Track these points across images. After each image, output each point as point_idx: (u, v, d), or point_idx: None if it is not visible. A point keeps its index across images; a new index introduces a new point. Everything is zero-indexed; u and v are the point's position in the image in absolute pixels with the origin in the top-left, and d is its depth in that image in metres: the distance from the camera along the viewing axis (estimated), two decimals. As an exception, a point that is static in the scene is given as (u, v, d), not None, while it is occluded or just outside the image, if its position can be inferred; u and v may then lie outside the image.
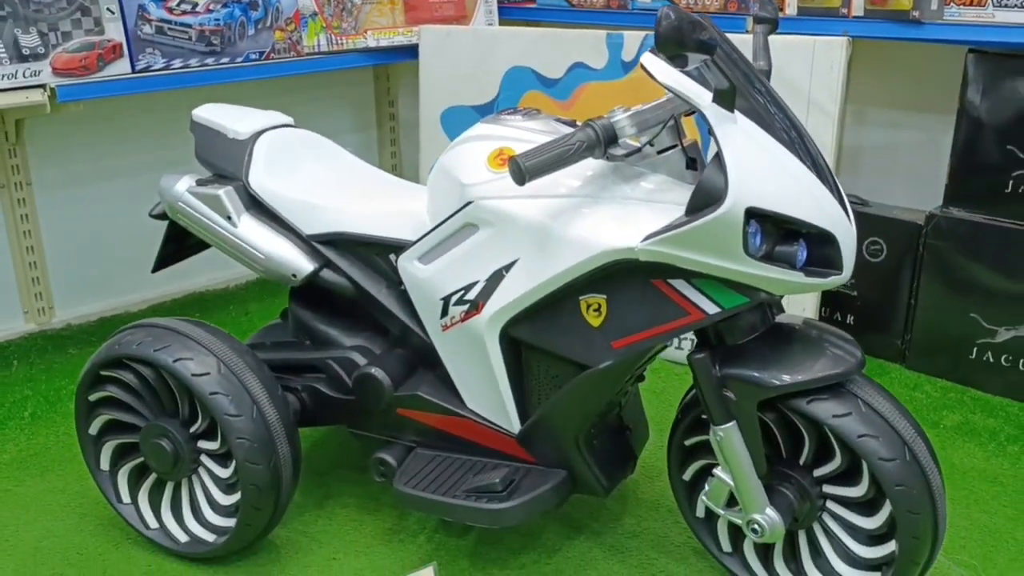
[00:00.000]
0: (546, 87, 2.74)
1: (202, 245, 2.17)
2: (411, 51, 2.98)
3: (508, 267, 1.60)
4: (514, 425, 1.73)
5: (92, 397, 1.88)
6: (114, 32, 2.46)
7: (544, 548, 1.92)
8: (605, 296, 1.55)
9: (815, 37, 2.33)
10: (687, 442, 1.75)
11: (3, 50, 2.30)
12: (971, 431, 2.31)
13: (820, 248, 1.46)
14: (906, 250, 2.57)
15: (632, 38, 2.58)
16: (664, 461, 1.96)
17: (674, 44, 1.31)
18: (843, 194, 1.49)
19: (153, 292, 3.14)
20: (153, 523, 1.92)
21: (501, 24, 3.11)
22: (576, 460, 1.71)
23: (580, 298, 1.57)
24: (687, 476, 1.79)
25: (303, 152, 1.95)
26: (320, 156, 1.97)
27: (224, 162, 1.90)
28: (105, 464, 1.93)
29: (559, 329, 1.60)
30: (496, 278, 1.61)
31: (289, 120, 2.01)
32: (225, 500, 1.82)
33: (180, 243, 2.12)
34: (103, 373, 1.84)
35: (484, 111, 2.85)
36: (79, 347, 2.90)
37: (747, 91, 1.43)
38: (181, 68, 2.58)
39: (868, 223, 2.62)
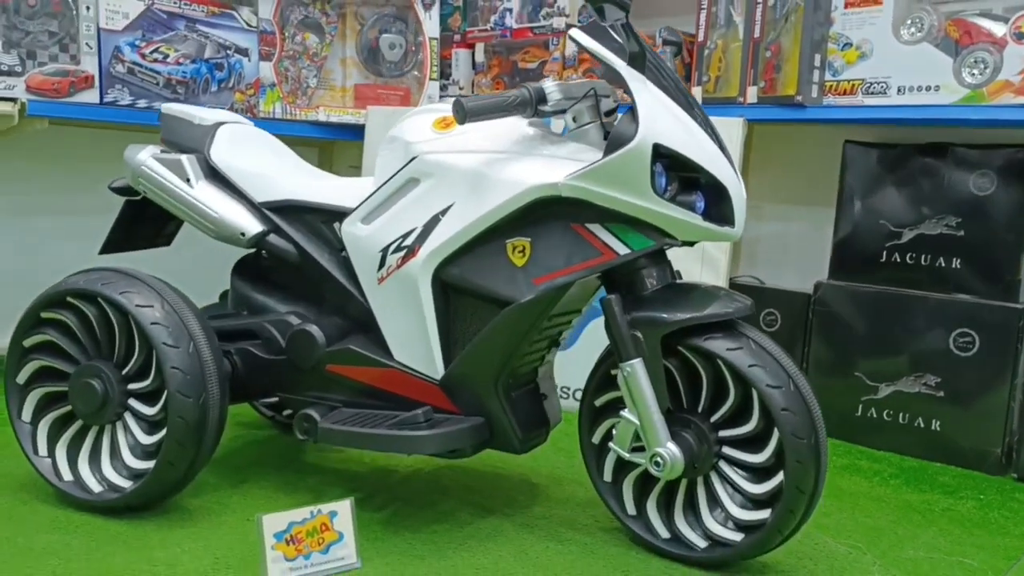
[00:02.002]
0: (479, 161, 3.03)
1: (149, 241, 2.31)
2: (357, 131, 3.26)
3: (444, 211, 1.79)
4: (439, 371, 1.84)
5: (27, 342, 1.93)
6: (89, 65, 2.68)
7: (456, 522, 1.97)
8: (529, 239, 1.74)
9: (716, 119, 2.69)
10: (597, 401, 1.89)
11: (-17, 63, 2.50)
12: (857, 469, 2.48)
13: (715, 204, 1.70)
14: (797, 318, 2.83)
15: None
16: (573, 472, 2.09)
17: (597, -6, 1.60)
18: (735, 165, 1.75)
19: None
20: (67, 475, 1.92)
21: (441, 120, 3.43)
22: (495, 407, 1.82)
23: (507, 241, 1.75)
24: (596, 439, 1.91)
25: (259, 141, 2.15)
26: (273, 148, 2.17)
27: (188, 141, 2.08)
28: (27, 415, 1.95)
29: (487, 269, 1.77)
30: (432, 223, 1.80)
31: (246, 120, 2.22)
32: (147, 440, 1.86)
33: (131, 230, 2.25)
34: (43, 315, 1.91)
35: (421, 182, 3.10)
36: (-4, 377, 2.89)
37: (655, 67, 1.72)
38: (145, 108, 2.79)
39: (764, 297, 2.90)
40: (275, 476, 2.18)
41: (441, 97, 3.42)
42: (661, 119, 1.63)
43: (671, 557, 1.81)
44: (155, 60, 2.80)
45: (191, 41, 2.88)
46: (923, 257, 2.64)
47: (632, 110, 1.65)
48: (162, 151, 2.08)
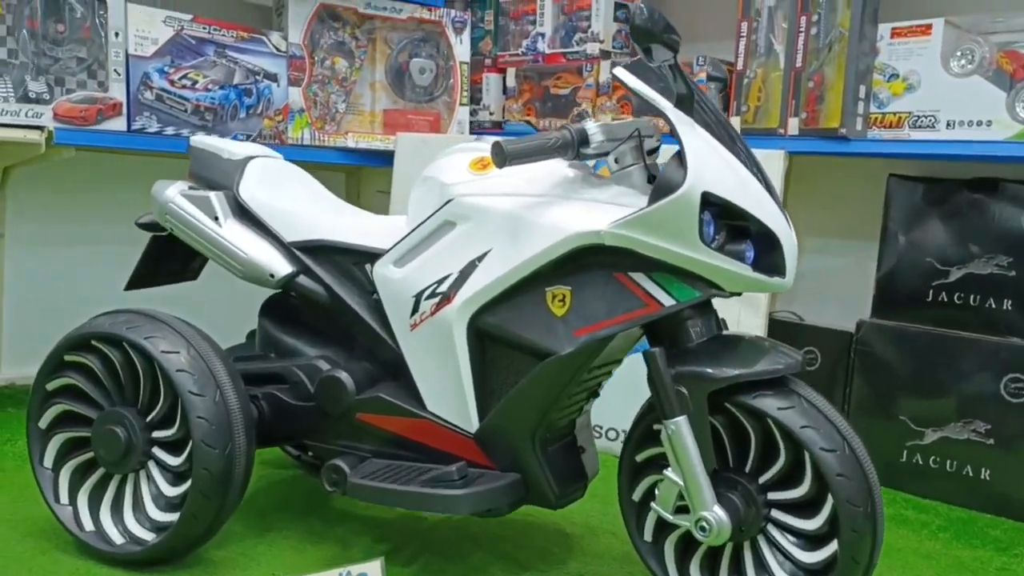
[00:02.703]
0: (511, 190, 2.96)
1: (175, 276, 2.26)
2: (386, 157, 3.20)
3: (481, 257, 1.71)
4: (473, 424, 1.77)
5: (50, 385, 1.88)
6: (117, 92, 2.64)
7: (488, 578, 1.90)
8: (570, 287, 1.66)
9: (757, 151, 2.60)
10: (638, 457, 1.81)
11: (10, 90, 2.45)
12: (903, 521, 2.38)
13: (765, 253, 1.61)
14: (839, 358, 2.74)
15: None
16: (606, 522, 2.01)
17: (646, 35, 1.52)
18: (784, 210, 1.66)
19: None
20: (89, 525, 1.86)
21: (471, 146, 3.37)
22: (531, 463, 1.75)
23: (546, 289, 1.68)
24: (636, 496, 1.82)
25: (289, 177, 2.09)
26: (304, 184, 2.11)
27: (217, 176, 2.03)
28: (49, 461, 1.90)
29: (525, 318, 1.69)
30: (469, 268, 1.72)
31: (278, 155, 2.17)
32: (171, 491, 1.79)
33: (157, 266, 2.19)
34: (67, 358, 1.86)
35: (451, 210, 3.04)
36: (19, 406, 2.85)
37: (702, 106, 1.64)
38: (173, 135, 2.75)
39: (804, 334, 2.80)
40: (301, 524, 2.11)
41: (472, 124, 3.36)
42: (710, 165, 1.56)
43: (715, 623, 1.73)
44: (183, 86, 2.76)
45: (220, 67, 2.84)
46: (972, 297, 2.54)
47: (679, 154, 1.58)
48: (190, 187, 2.02)
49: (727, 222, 1.60)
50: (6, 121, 2.44)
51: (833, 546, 1.60)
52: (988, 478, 2.46)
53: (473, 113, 3.39)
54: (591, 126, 1.64)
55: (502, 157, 1.55)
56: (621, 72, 1.63)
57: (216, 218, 1.95)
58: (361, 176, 3.68)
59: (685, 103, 1.59)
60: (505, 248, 1.69)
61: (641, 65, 1.63)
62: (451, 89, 3.32)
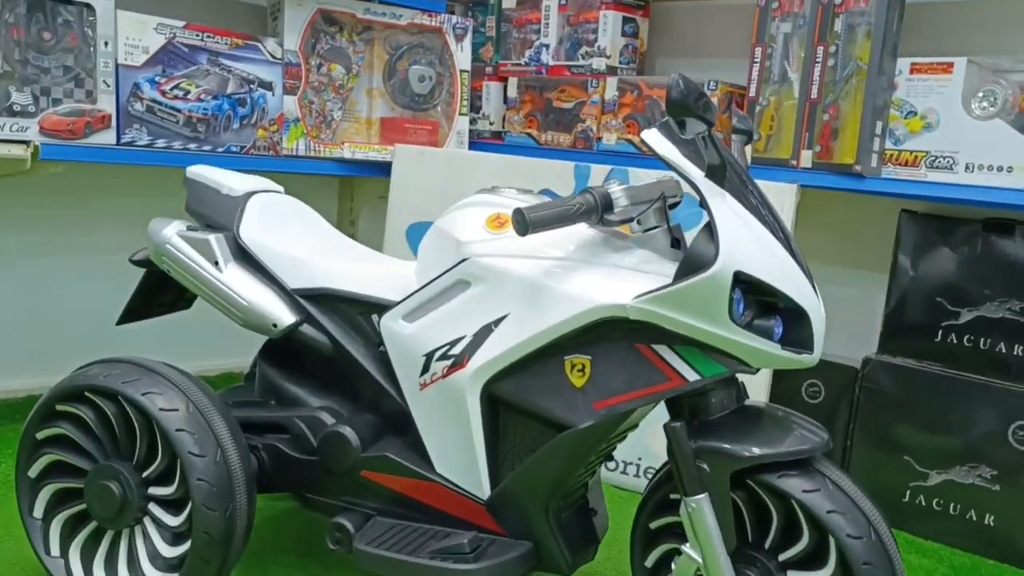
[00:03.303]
0: (513, 210, 2.88)
1: (168, 307, 2.17)
2: (382, 168, 3.11)
3: (497, 322, 1.64)
4: (484, 490, 1.71)
5: (41, 434, 1.80)
6: (105, 104, 2.52)
7: (493, 637, 1.85)
8: (590, 357, 1.60)
9: (768, 183, 2.54)
10: (652, 524, 1.76)
11: (-6, 103, 2.34)
12: (908, 567, 2.36)
13: (794, 328, 1.55)
14: (843, 393, 2.70)
15: (598, 170, 2.76)
16: (610, 567, 1.96)
17: (681, 108, 1.45)
18: (815, 284, 1.60)
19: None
20: (81, 580, 1.79)
21: (470, 156, 3.28)
22: (543, 531, 1.69)
23: (565, 358, 1.61)
24: (649, 563, 1.77)
25: (292, 215, 2.00)
26: (307, 221, 2.02)
27: (216, 214, 1.93)
28: (39, 511, 1.82)
29: (542, 388, 1.63)
30: (484, 333, 1.65)
31: (279, 188, 2.07)
32: (169, 552, 1.72)
33: (150, 298, 2.10)
34: (59, 408, 1.77)
35: (450, 228, 2.96)
36: (2, 421, 2.76)
37: (734, 175, 1.57)
38: (164, 148, 2.64)
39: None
40: (299, 567, 2.05)
41: (472, 134, 3.27)
42: (742, 242, 1.49)
43: None
44: (175, 97, 2.64)
45: (213, 76, 2.72)
46: (982, 340, 2.51)
47: (709, 228, 1.51)
48: (188, 227, 1.93)
49: (756, 298, 1.54)
50: (-10, 136, 2.33)
51: (857, 631, 1.56)
52: (992, 524, 2.44)
53: (472, 122, 3.30)
54: (615, 190, 1.56)
55: (524, 226, 1.47)
56: (649, 136, 1.55)
57: (216, 263, 1.86)
58: (355, 185, 3.58)
59: (717, 173, 1.51)
60: (523, 314, 1.62)
61: (669, 127, 1.56)
62: (451, 98, 3.22)
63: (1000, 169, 2.30)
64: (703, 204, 1.52)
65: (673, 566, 1.67)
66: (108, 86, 2.52)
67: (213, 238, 1.87)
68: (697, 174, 1.51)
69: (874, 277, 2.80)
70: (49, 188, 2.88)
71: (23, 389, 2.92)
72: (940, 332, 2.57)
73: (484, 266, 1.66)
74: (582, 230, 1.67)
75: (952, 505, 2.50)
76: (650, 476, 2.59)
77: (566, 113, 3.12)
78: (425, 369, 1.73)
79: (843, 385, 2.70)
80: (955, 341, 2.54)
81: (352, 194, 3.59)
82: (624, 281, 1.56)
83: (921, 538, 2.53)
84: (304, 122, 2.96)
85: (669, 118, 1.55)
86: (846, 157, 2.49)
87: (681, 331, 1.52)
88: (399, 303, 1.78)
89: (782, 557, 1.63)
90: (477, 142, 3.31)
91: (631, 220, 1.61)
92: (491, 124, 3.31)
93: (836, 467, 1.61)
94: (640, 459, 2.63)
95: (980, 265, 2.51)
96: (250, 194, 1.97)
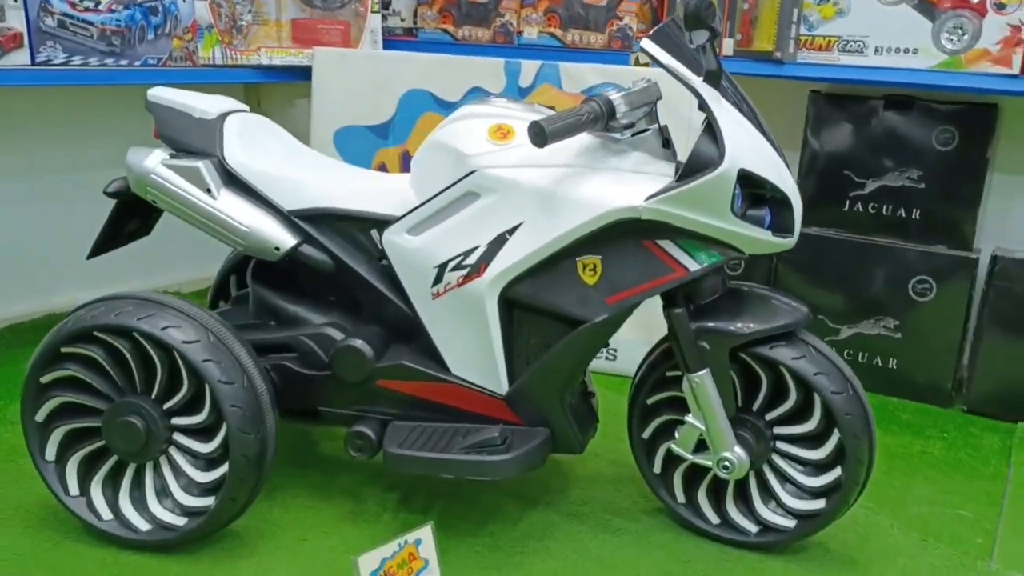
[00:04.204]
0: (444, 109, 2.91)
1: (134, 235, 2.12)
2: (299, 72, 3.04)
3: (512, 230, 1.73)
4: (503, 386, 1.83)
5: (45, 379, 1.77)
6: (15, 21, 2.34)
7: (508, 518, 2.01)
8: (600, 256, 1.72)
9: (693, 72, 2.68)
10: (649, 400, 1.94)
11: None
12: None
13: (778, 215, 1.73)
14: (761, 262, 2.96)
15: (529, 66, 2.81)
16: (595, 446, 2.15)
17: (695, 20, 1.55)
18: (791, 172, 1.77)
19: (15, 309, 2.91)
20: (107, 514, 1.81)
21: (383, 55, 3.25)
22: (559, 418, 1.84)
23: (576, 259, 1.73)
24: (647, 434, 1.97)
25: (265, 134, 1.98)
26: (281, 140, 2.01)
27: (194, 140, 1.89)
28: (52, 454, 1.81)
29: (557, 288, 1.75)
30: (499, 242, 1.74)
31: (244, 106, 2.04)
32: (204, 477, 1.77)
33: (118, 229, 2.05)
34: (64, 350, 1.75)
35: (380, 131, 2.96)
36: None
37: (726, 80, 1.69)
38: (81, 65, 2.49)
39: (726, 241, 2.99)
40: (303, 480, 2.13)
41: (384, 31, 3.22)
42: (741, 141, 1.63)
43: (723, 541, 1.93)
44: (87, 9, 2.48)
45: (123, -16, 2.56)
46: (885, 207, 2.79)
47: (710, 129, 1.64)
48: (171, 155, 1.88)
49: (749, 191, 1.70)
50: (-102, 64, 2.14)
51: (836, 472, 1.82)
52: (895, 367, 2.79)
53: (384, 19, 3.25)
54: (616, 97, 1.66)
55: (543, 138, 1.55)
56: (649, 45, 1.64)
57: (208, 190, 1.84)
58: (260, 91, 3.47)
59: (713, 78, 1.63)
60: (537, 222, 1.71)
61: (665, 35, 1.65)
62: (361, -5, 3.15)
63: (907, 51, 2.53)
64: (703, 107, 1.64)
65: (677, 434, 1.87)
66: (15, 2, 2.34)
67: (201, 165, 1.84)
68: (695, 79, 1.63)
69: (787, 155, 3.02)
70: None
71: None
72: (847, 202, 2.84)
73: (493, 177, 1.74)
74: (582, 136, 1.76)
75: (860, 354, 2.83)
76: (613, 357, 2.81)
77: (482, 7, 3.12)
78: (438, 280, 1.80)
79: (762, 257, 2.95)
80: (861, 209, 2.82)
81: (259, 100, 3.48)
82: (632, 184, 1.68)
83: (836, 386, 2.86)
84: (216, 26, 2.84)
85: (664, 26, 1.65)
86: (765, 44, 2.65)
87: (687, 226, 1.66)
88: (401, 218, 1.83)
89: (769, 416, 1.86)
90: (389, 40, 3.27)
91: (632, 125, 1.71)
92: (403, 20, 3.27)
93: (815, 336, 1.83)
94: (616, 349, 2.83)
95: (882, 139, 2.77)
96: (224, 115, 1.93)
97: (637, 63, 2.86)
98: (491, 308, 1.78)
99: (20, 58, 2.37)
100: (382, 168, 2.98)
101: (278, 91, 3.43)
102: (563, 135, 1.58)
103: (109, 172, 2.96)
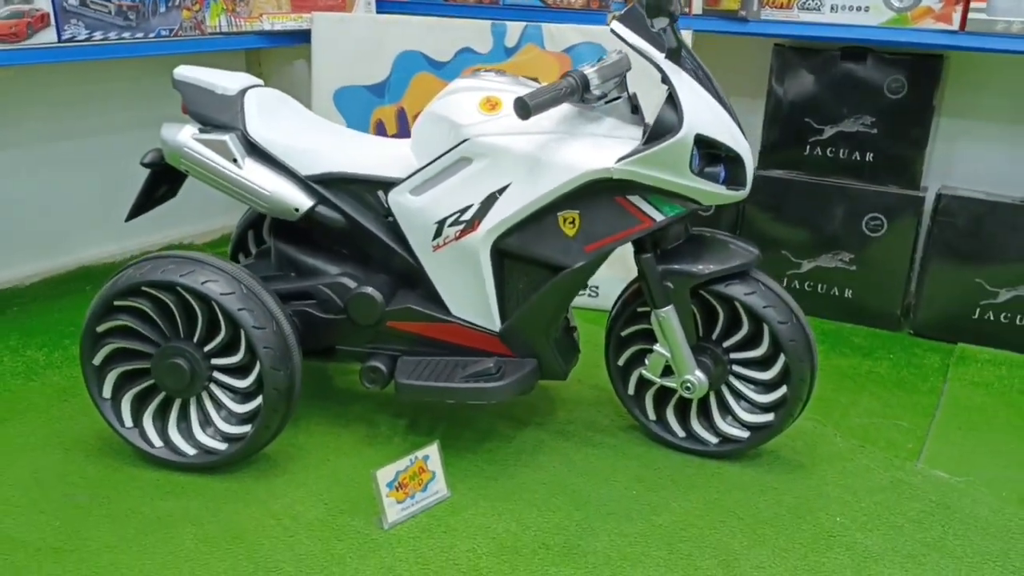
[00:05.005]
0: (435, 69, 3.14)
1: (163, 198, 2.38)
2: (301, 36, 3.26)
3: (501, 191, 2.00)
4: (496, 324, 2.12)
5: (101, 328, 2.05)
6: (42, 2, 2.56)
7: (502, 437, 2.32)
8: (578, 211, 2.00)
9: (665, 30, 2.91)
10: (623, 332, 2.24)
11: (-61, 13, 2.36)
12: (791, 338, 2.99)
13: (732, 170, 2.00)
14: (730, 207, 3.23)
15: (514, 27, 3.04)
16: (577, 373, 2.44)
17: (656, 8, 1.80)
18: (744, 132, 2.03)
19: (46, 265, 3.18)
20: (158, 442, 2.11)
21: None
22: (545, 350, 2.14)
23: (558, 213, 2.00)
24: (621, 362, 2.27)
25: (280, 106, 2.23)
26: (294, 110, 2.25)
27: (218, 114, 2.14)
28: (108, 392, 2.10)
29: (542, 240, 2.02)
30: (490, 200, 2.01)
31: (260, 81, 2.28)
32: (242, 408, 2.06)
33: (151, 194, 2.31)
34: (117, 303, 2.02)
35: (377, 90, 3.19)
36: (-24, 318, 2.91)
37: (686, 54, 1.94)
38: (101, 40, 2.72)
39: (699, 184, 3.26)
40: (323, 408, 2.43)
41: (376, 2, 3.42)
42: (698, 109, 1.89)
43: (687, 451, 2.25)
44: (104, -13, 2.70)
45: (135, -39, 2.77)
46: (841, 151, 3.06)
47: (671, 99, 1.90)
48: (200, 130, 2.13)
49: (705, 151, 1.96)
50: (-58, 47, 2.37)
51: (782, 390, 2.12)
52: (850, 296, 3.08)
53: (377, -18, 3.45)
54: (589, 72, 1.91)
55: (527, 110, 1.81)
56: (617, 26, 1.90)
57: (234, 160, 2.10)
58: (260, 55, 3.69)
59: (674, 54, 1.89)
60: (523, 183, 1.98)
61: (632, 17, 1.90)
62: (354, -41, 3.35)
63: (859, 9, 2.76)
64: (664, 80, 1.90)
65: (646, 361, 2.17)
66: (42, -17, 2.55)
67: (228, 138, 2.09)
68: (659, 56, 1.88)
69: (753, 104, 3.28)
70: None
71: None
72: (808, 147, 3.10)
73: (484, 144, 2.00)
74: (562, 105, 2.01)
75: (820, 285, 3.12)
76: (595, 295, 3.09)
77: (468, -31, 3.33)
78: (438, 234, 2.08)
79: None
80: (820, 153, 3.09)
81: (259, 63, 3.70)
82: (604, 148, 1.94)
83: (798, 314, 3.16)
84: (221, -3, 3.05)
85: (633, 8, 1.89)
86: (731, 3, 2.88)
87: (652, 184, 1.93)
88: (404, 180, 2.09)
89: (726, 344, 2.15)
90: (382, 1, 3.47)
91: (605, 96, 1.97)
92: (394, -18, 3.47)
93: (764, 273, 2.12)
94: (598, 287, 3.11)
95: (839, 88, 3.01)
96: (243, 91, 2.17)
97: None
98: (484, 258, 2.06)
99: (48, 36, 2.59)
100: (379, 125, 3.22)
101: (277, 54, 3.65)
102: (544, 108, 1.84)
103: (130, 136, 3.22)
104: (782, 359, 2.09)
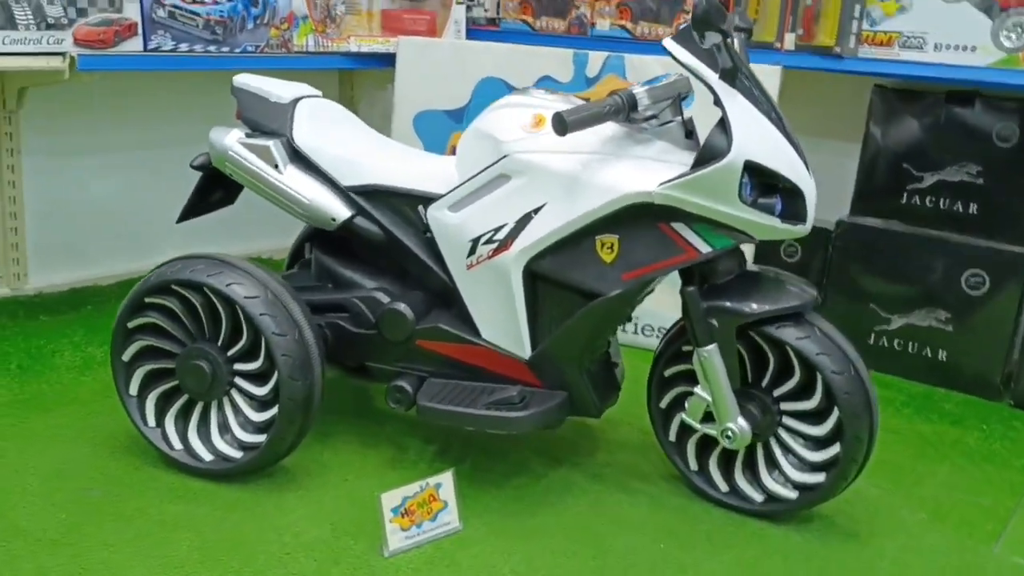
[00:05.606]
0: (514, 96, 3.08)
1: (218, 204, 2.39)
2: (386, 59, 3.27)
3: (536, 210, 1.90)
4: (526, 351, 2.01)
5: (131, 324, 2.05)
6: (131, 12, 2.65)
7: (532, 474, 2.19)
8: (618, 236, 1.87)
9: (753, 65, 2.76)
10: (666, 372, 2.08)
11: (30, 17, 2.47)
12: (873, 399, 2.74)
13: (791, 203, 1.83)
14: (817, 251, 3.02)
15: (596, 57, 2.96)
16: (623, 413, 2.29)
17: (703, 23, 1.68)
18: (808, 165, 1.87)
19: (124, 267, 3.27)
20: (178, 444, 2.08)
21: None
22: (577, 383, 2.01)
23: (596, 237, 1.89)
24: (664, 404, 2.11)
25: (333, 117, 2.21)
26: (347, 122, 2.24)
27: (268, 121, 2.14)
28: (134, 389, 2.09)
29: (577, 264, 1.91)
30: (525, 220, 1.91)
31: (318, 92, 2.27)
32: (258, 417, 2.02)
33: (204, 197, 2.33)
34: (148, 300, 2.02)
35: (456, 116, 3.16)
36: (51, 314, 3.00)
37: (743, 75, 1.81)
38: (187, 52, 2.79)
39: (785, 229, 3.06)
40: (355, 426, 2.36)
41: (468, 22, 3.41)
42: (751, 134, 1.75)
43: (730, 508, 2.06)
44: (194, 1, 2.77)
45: (226, -22, 2.84)
46: (942, 201, 2.82)
47: (723, 122, 1.76)
48: (247, 135, 2.13)
49: (761, 180, 1.81)
50: (29, 49, 2.47)
51: (835, 448, 1.91)
52: (944, 359, 2.81)
53: (468, 9, 3.44)
54: (639, 91, 1.80)
55: (563, 127, 1.71)
56: (669, 44, 1.78)
57: (276, 166, 2.08)
58: (353, 77, 3.74)
59: (729, 75, 1.75)
60: (560, 203, 1.88)
61: (687, 35, 1.78)
62: (446, -14, 3.36)
63: (965, 48, 2.55)
64: (717, 102, 1.76)
65: (686, 405, 2.01)
66: (131, -6, 2.65)
67: (272, 144, 2.09)
68: (712, 76, 1.75)
69: (847, 147, 3.07)
70: (77, 93, 3.03)
71: (65, 283, 3.15)
72: (905, 194, 2.87)
73: (523, 162, 1.91)
74: (609, 125, 1.90)
75: (911, 344, 2.86)
76: (660, 336, 2.93)
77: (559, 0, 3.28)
78: (472, 252, 1.99)
79: (818, 244, 3.01)
80: (918, 202, 2.85)
81: (352, 84, 3.75)
82: (648, 171, 1.82)
83: (883, 373, 2.90)
84: (311, 16, 3.10)
85: (687, 27, 1.78)
86: (827, 39, 2.71)
87: (697, 211, 1.79)
88: (444, 195, 2.02)
89: (776, 392, 1.97)
90: (474, 29, 3.46)
91: (654, 117, 1.85)
92: (486, 11, 3.46)
93: (823, 318, 1.93)
94: (652, 322, 2.96)
95: (942, 133, 2.79)
96: (296, 100, 2.17)
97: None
98: (516, 280, 1.95)
99: (134, 45, 2.67)
100: (456, 151, 3.18)
101: (368, 77, 3.69)
102: (583, 125, 1.74)
103: (206, 147, 3.27)
104: (836, 413, 1.89)
